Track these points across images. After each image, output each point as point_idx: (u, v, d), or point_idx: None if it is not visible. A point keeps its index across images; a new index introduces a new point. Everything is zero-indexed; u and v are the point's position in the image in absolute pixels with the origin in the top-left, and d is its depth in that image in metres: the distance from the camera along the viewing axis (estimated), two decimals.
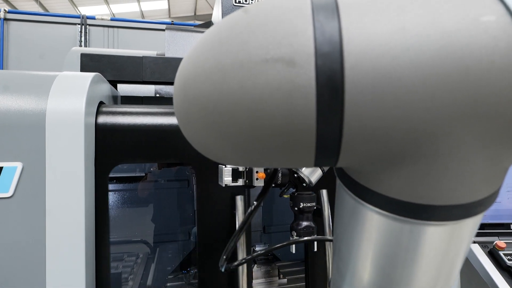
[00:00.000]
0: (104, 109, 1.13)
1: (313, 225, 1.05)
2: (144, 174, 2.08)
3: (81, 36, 3.95)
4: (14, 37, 3.86)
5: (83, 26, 3.99)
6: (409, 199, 0.30)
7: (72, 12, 9.80)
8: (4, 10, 3.87)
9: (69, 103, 0.98)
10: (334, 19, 0.26)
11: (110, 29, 4.08)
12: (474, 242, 1.19)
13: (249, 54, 0.26)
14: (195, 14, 12.43)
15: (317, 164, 0.31)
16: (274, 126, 0.26)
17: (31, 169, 0.94)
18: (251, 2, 1.76)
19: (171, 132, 1.10)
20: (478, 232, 1.21)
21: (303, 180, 1.00)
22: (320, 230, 1.17)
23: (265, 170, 1.01)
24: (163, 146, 1.11)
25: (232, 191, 1.15)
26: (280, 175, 1.01)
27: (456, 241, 0.33)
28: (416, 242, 0.32)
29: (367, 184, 0.32)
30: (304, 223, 1.04)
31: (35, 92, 1.00)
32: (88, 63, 1.27)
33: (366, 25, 0.25)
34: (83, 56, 1.27)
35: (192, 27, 1.89)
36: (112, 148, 1.08)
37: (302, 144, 0.27)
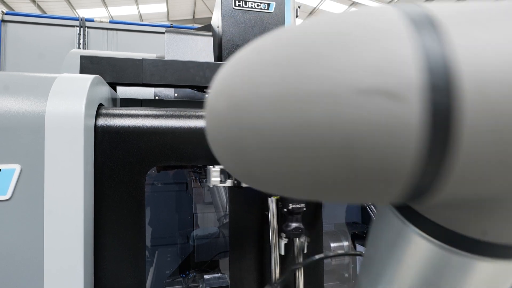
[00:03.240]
0: (104, 111, 1.13)
1: (301, 226, 1.05)
2: None
3: (79, 39, 3.94)
4: (11, 39, 3.85)
5: (81, 29, 3.98)
6: (473, 235, 0.27)
7: (70, 14, 9.80)
8: (2, 11, 3.86)
9: (68, 105, 0.97)
10: (441, 40, 0.21)
11: (109, 31, 4.08)
12: None
13: (337, 83, 0.22)
14: (193, 17, 12.47)
15: (392, 201, 0.27)
16: (365, 164, 0.22)
17: (30, 172, 0.93)
18: (252, 6, 1.77)
19: (198, 134, 1.11)
20: None
21: None
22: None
23: None
24: (192, 147, 1.12)
25: (263, 192, 1.17)
26: None
27: (504, 279, 0.32)
28: (462, 275, 0.31)
29: (428, 215, 0.29)
30: (294, 225, 1.03)
31: (34, 94, 0.99)
32: (88, 65, 1.27)
33: (482, 47, 0.21)
34: (83, 58, 1.27)
35: (192, 30, 1.90)
36: (146, 150, 1.09)
37: (391, 184, 0.23)
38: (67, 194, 0.95)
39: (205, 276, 1.59)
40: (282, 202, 1.06)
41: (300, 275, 1.13)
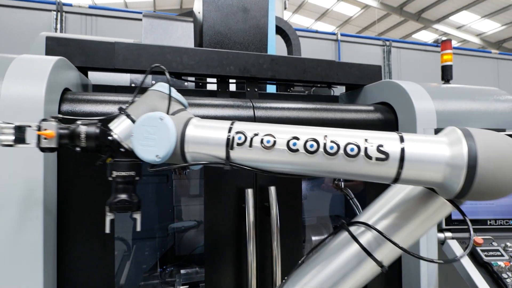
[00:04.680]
0: (70, 96, 1.05)
1: (133, 199, 0.85)
2: None
3: (56, 24, 3.76)
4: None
5: (58, 13, 3.80)
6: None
7: None
8: None
9: (26, 88, 0.89)
10: (473, 143, 0.68)
11: (88, 17, 3.91)
12: (452, 238, 1.19)
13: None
14: (181, 7, 12.18)
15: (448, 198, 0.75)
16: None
17: None
18: None
19: None
20: (455, 228, 1.21)
21: (119, 145, 0.82)
22: (267, 230, 1.10)
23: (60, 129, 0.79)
24: None
25: (240, 184, 1.11)
26: (83, 136, 0.81)
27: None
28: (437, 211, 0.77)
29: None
30: (121, 196, 0.84)
31: None
32: (54, 47, 1.18)
33: (488, 147, 0.67)
34: (49, 39, 1.18)
35: (172, 15, 1.81)
36: None
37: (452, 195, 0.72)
38: (26, 181, 0.88)
39: (182, 271, 1.54)
40: (107, 171, 0.85)
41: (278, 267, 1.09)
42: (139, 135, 0.78)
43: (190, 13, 2.02)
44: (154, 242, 2.01)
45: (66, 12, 3.86)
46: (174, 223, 2.07)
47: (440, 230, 1.23)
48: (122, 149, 0.83)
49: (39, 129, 0.77)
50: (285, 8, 4.39)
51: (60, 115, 0.83)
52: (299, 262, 0.88)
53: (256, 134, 0.76)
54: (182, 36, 1.70)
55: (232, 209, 1.12)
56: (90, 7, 3.95)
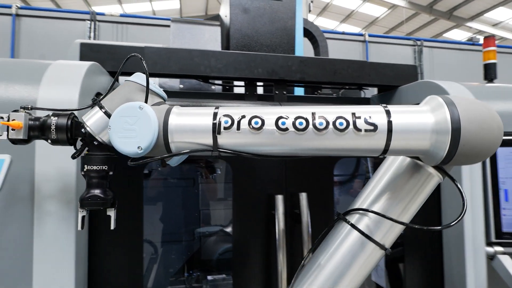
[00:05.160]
0: None
1: (107, 195, 0.80)
2: (148, 172, 2.02)
3: (90, 32, 3.94)
4: (25, 32, 3.88)
5: (92, 22, 3.98)
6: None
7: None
8: (16, 6, 3.90)
9: (61, 92, 0.91)
10: (456, 110, 0.70)
11: (120, 25, 4.07)
12: (504, 253, 1.08)
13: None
14: (206, 13, 12.43)
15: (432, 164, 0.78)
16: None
17: (20, 162, 0.88)
18: None
19: None
20: (507, 242, 1.09)
21: (92, 138, 0.78)
22: (298, 238, 1.05)
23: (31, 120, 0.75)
24: None
25: (269, 190, 1.07)
26: (53, 128, 0.76)
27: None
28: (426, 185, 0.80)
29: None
30: (93, 192, 0.79)
31: (26, 80, 0.93)
32: (88, 53, 1.21)
33: (469, 112, 0.70)
34: (83, 45, 1.21)
35: (199, 20, 1.82)
36: None
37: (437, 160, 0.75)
38: (58, 186, 0.89)
39: (209, 277, 1.52)
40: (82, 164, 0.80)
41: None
42: (117, 127, 0.73)
43: (216, 18, 2.03)
44: (181, 246, 2.01)
45: (99, 21, 4.04)
46: (200, 227, 2.07)
47: (489, 243, 1.11)
48: (95, 142, 0.79)
49: (8, 119, 0.74)
50: (310, 11, 4.33)
51: (30, 106, 0.78)
52: (303, 260, 0.87)
53: (243, 117, 0.73)
54: (209, 40, 1.70)
55: (261, 215, 1.09)
56: (121, 15, 4.11)
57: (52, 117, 0.78)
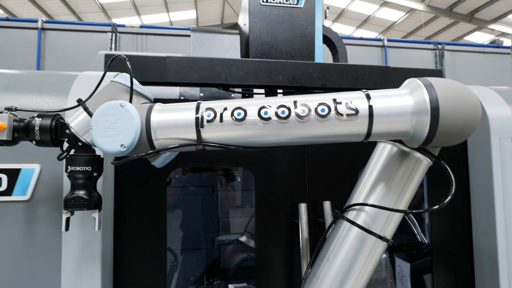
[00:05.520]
0: None
1: (91, 196, 0.78)
2: (168, 180, 2.03)
3: (111, 43, 4.08)
4: (50, 45, 4.06)
5: (113, 34, 4.12)
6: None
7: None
8: (42, 20, 4.10)
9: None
10: (434, 92, 0.71)
11: (139, 36, 4.19)
12: None
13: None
14: (222, 22, 12.63)
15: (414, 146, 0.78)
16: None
17: (49, 171, 0.90)
18: (280, 1, 1.68)
19: None
20: None
21: (76, 139, 0.77)
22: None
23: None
24: (221, 150, 1.03)
25: (292, 198, 1.06)
26: (37, 129, 0.76)
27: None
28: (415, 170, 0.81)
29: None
30: (77, 193, 0.77)
31: (55, 92, 0.96)
32: (112, 63, 1.24)
33: (448, 95, 0.72)
34: (107, 56, 1.24)
35: (218, 29, 1.85)
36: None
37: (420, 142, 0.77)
38: None
39: (230, 286, 1.50)
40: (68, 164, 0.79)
41: None
42: (99, 126, 0.72)
43: (234, 26, 2.05)
44: (200, 254, 2.01)
45: (120, 32, 4.18)
46: (219, 235, 2.06)
47: None
48: (79, 143, 0.78)
49: None
50: (326, 18, 4.32)
51: (14, 107, 0.79)
52: (309, 264, 0.86)
53: (225, 109, 0.72)
54: (228, 48, 1.71)
55: (284, 224, 1.07)
56: (141, 26, 4.23)
57: (36, 118, 0.78)
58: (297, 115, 0.70)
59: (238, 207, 2.18)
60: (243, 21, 1.79)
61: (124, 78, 0.83)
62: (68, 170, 0.78)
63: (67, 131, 0.78)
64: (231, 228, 2.08)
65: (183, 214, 2.11)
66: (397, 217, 0.81)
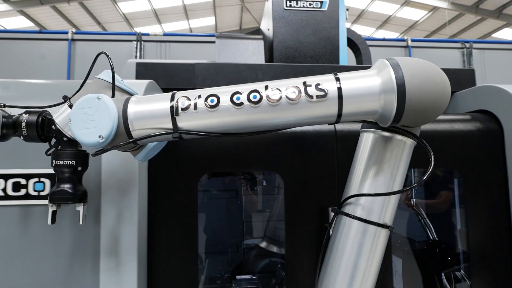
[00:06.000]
0: None
1: (76, 190, 0.80)
2: None
3: (136, 51, 4.23)
4: (79, 55, 4.26)
5: (138, 42, 4.27)
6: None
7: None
8: (72, 31, 4.31)
9: None
10: (400, 72, 0.73)
11: (163, 44, 4.31)
12: None
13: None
14: (240, 28, 12.77)
15: (386, 125, 0.80)
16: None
17: (89, 173, 0.94)
18: (304, 5, 1.68)
19: (258, 140, 1.05)
20: None
21: (61, 134, 0.79)
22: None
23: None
24: (245, 154, 1.06)
25: (322, 202, 1.06)
26: (24, 125, 0.78)
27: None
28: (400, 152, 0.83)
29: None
30: (62, 187, 0.79)
31: None
32: (143, 71, 1.28)
33: (414, 76, 0.73)
34: (138, 65, 1.29)
35: (242, 34, 1.87)
36: (199, 156, 1.05)
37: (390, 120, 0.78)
38: (122, 198, 0.93)
39: (237, 277, 1.59)
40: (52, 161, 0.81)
41: None
42: (77, 119, 0.74)
43: (257, 31, 2.07)
44: (225, 258, 2.02)
45: (144, 40, 4.32)
46: (243, 239, 2.07)
47: None
48: (65, 138, 0.80)
49: None
50: (346, 19, 4.28)
51: (2, 103, 0.81)
52: (318, 266, 0.87)
53: (199, 96, 0.73)
54: (252, 53, 1.73)
55: (314, 229, 1.06)
56: (165, 34, 4.35)
57: (24, 115, 0.80)
58: (268, 98, 0.72)
59: (260, 211, 2.18)
60: (267, 26, 1.81)
61: (107, 75, 0.84)
62: (53, 164, 0.80)
63: (53, 126, 0.80)
64: (255, 232, 2.08)
65: (207, 217, 2.13)
66: (393, 202, 0.83)
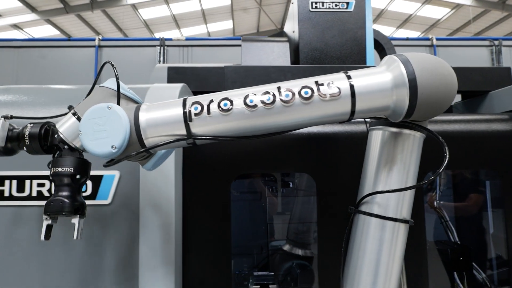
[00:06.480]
0: None
1: (75, 200, 0.75)
2: None
3: (159, 56, 4.34)
4: (106, 60, 4.41)
5: (161, 47, 4.38)
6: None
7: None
8: (98, 38, 4.48)
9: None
10: (411, 68, 0.74)
11: (185, 48, 4.41)
12: None
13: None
14: (258, 31, 12.83)
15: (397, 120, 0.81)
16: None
17: (127, 178, 0.97)
18: (329, 7, 1.68)
19: (290, 141, 1.05)
20: None
21: (64, 143, 0.76)
22: None
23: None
24: (279, 155, 1.07)
25: (355, 201, 1.06)
26: (27, 136, 0.76)
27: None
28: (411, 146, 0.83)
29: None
30: (58, 196, 0.74)
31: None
32: (174, 75, 1.32)
33: (425, 72, 0.75)
34: (170, 69, 1.32)
35: (267, 37, 1.88)
36: (232, 157, 1.06)
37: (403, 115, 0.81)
38: (159, 199, 0.96)
39: (254, 273, 1.64)
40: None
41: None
42: (88, 130, 0.72)
43: (280, 34, 2.08)
44: (250, 259, 2.03)
45: (167, 45, 4.43)
46: (267, 240, 2.07)
47: None
48: (66, 147, 0.77)
49: None
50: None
51: (9, 115, 0.80)
52: (341, 267, 0.88)
53: (212, 101, 0.73)
54: (278, 56, 1.74)
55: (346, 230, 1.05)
56: (187, 39, 4.45)
57: (28, 125, 0.79)
58: (282, 100, 0.72)
59: (282, 214, 2.18)
60: (291, 28, 1.81)
61: (112, 83, 0.82)
62: (51, 173, 0.76)
63: (55, 136, 0.78)
64: (280, 234, 2.08)
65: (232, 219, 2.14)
66: (409, 196, 0.83)
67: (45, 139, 0.79)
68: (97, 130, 0.72)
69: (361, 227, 0.83)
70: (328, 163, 1.09)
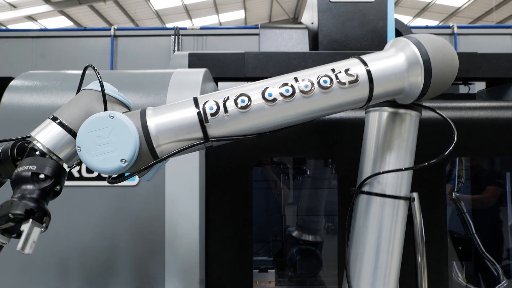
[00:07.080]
0: None
1: (32, 203, 0.60)
2: None
3: (174, 45, 4.37)
4: (121, 50, 4.49)
5: (176, 37, 4.40)
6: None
7: None
8: (114, 28, 4.53)
9: (186, 96, 1.01)
10: (424, 50, 0.74)
11: (199, 37, 4.42)
12: None
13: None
14: (270, 20, 12.69)
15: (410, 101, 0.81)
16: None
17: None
18: None
19: (312, 127, 1.04)
20: None
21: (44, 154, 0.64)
22: (409, 239, 0.93)
23: None
24: (304, 141, 1.08)
25: None
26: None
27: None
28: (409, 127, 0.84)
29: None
30: (12, 198, 0.61)
31: (155, 88, 1.06)
32: (195, 61, 1.33)
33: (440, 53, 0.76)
34: (191, 55, 1.33)
35: (284, 25, 1.87)
36: (254, 142, 1.06)
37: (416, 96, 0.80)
38: (184, 182, 0.99)
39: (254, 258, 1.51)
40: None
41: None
42: (89, 145, 0.62)
43: (299, 24, 2.05)
44: (267, 246, 2.06)
45: (182, 35, 4.45)
46: (284, 228, 2.10)
47: None
48: (37, 153, 0.64)
49: None
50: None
51: None
52: (345, 245, 0.88)
53: (227, 98, 0.67)
54: (296, 43, 1.73)
55: None
56: (201, 28, 4.44)
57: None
58: (302, 91, 0.69)
59: (291, 204, 2.19)
60: (310, 19, 1.78)
61: (99, 85, 0.70)
62: (12, 178, 0.64)
63: (36, 151, 0.65)
64: (295, 222, 2.10)
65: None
66: (407, 173, 0.84)
67: (19, 154, 0.68)
68: (101, 143, 0.63)
69: (362, 207, 0.85)
70: (349, 148, 1.09)
